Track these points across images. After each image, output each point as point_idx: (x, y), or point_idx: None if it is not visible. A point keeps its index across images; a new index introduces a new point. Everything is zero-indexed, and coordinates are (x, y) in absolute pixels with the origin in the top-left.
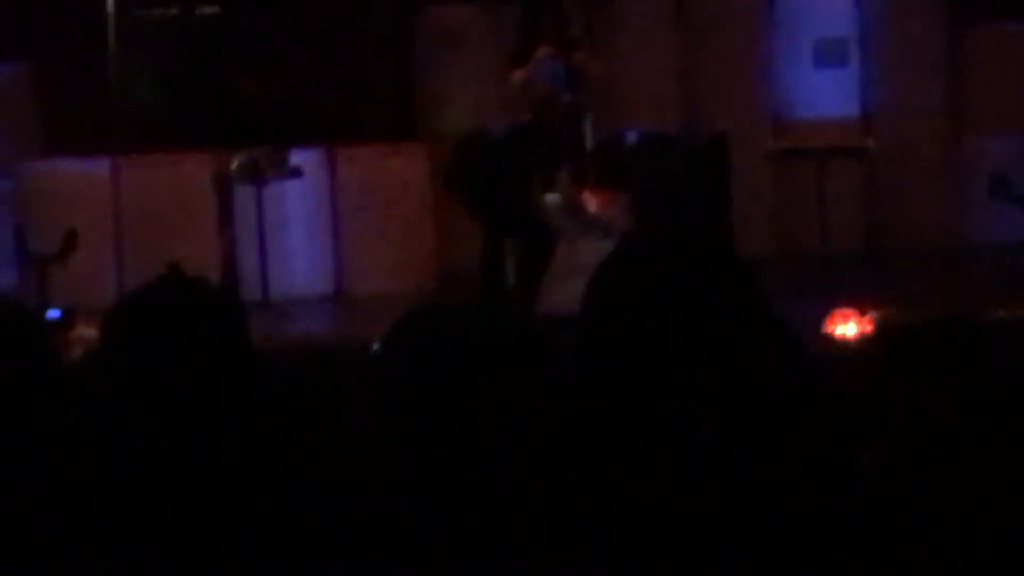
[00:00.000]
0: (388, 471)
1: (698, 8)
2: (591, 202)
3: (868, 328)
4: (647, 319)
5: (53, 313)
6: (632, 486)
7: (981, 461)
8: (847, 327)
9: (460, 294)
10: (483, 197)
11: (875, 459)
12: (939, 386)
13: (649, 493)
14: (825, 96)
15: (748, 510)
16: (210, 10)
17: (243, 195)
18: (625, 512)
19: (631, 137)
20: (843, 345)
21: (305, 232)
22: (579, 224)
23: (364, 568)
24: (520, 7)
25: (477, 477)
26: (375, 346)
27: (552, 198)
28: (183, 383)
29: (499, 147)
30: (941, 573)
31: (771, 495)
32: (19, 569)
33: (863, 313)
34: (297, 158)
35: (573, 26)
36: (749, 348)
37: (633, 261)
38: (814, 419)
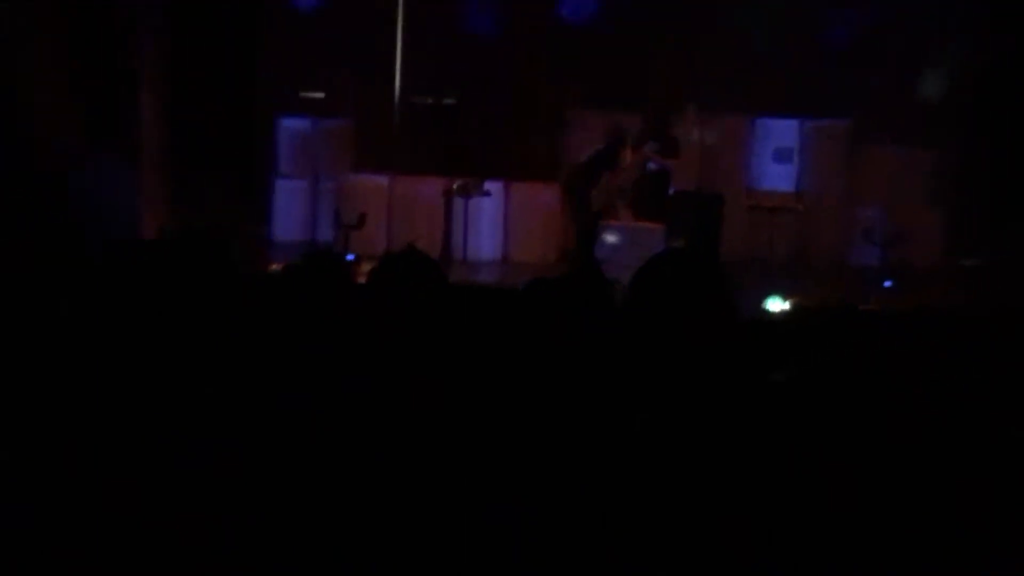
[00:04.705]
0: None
1: None
2: (632, 222)
3: (785, 307)
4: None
5: (350, 257)
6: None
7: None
8: (776, 305)
9: (567, 266)
10: (574, 206)
11: (786, 375)
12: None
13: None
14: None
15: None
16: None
17: (457, 204)
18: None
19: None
20: (771, 317)
21: (489, 227)
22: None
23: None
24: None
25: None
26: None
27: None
28: (401, 318)
29: (585, 171)
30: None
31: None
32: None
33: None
34: (488, 185)
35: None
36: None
37: (668, 268)
38: (739, 351)
